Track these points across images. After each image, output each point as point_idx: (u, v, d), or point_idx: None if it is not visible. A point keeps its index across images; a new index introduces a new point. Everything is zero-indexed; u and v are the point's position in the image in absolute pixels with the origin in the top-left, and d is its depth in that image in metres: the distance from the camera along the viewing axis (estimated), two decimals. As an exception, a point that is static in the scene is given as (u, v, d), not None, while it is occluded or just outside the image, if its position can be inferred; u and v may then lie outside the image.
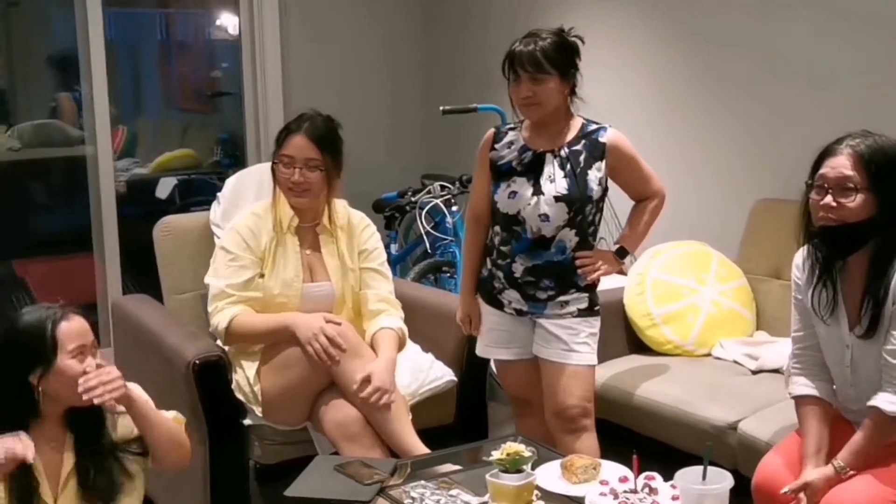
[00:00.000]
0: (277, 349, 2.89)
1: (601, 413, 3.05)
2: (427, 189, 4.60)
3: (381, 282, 3.11)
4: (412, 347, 3.21)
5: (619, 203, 3.20)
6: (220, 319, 2.92)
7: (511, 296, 2.94)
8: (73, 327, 2.18)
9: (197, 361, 2.81)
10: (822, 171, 2.30)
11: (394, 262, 4.74)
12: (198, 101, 6.23)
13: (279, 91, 5.06)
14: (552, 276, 2.89)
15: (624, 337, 3.56)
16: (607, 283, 3.12)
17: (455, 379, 3.14)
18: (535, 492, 2.29)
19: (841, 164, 2.27)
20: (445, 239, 4.47)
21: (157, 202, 5.39)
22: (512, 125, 3.01)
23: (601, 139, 2.88)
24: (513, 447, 2.27)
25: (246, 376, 2.89)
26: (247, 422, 2.93)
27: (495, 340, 3.02)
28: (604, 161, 2.87)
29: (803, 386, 2.45)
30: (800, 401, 2.46)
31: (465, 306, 3.08)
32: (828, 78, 3.56)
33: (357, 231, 3.13)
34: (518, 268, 2.90)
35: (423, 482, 2.40)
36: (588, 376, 2.92)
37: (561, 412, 2.91)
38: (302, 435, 2.94)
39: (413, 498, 2.32)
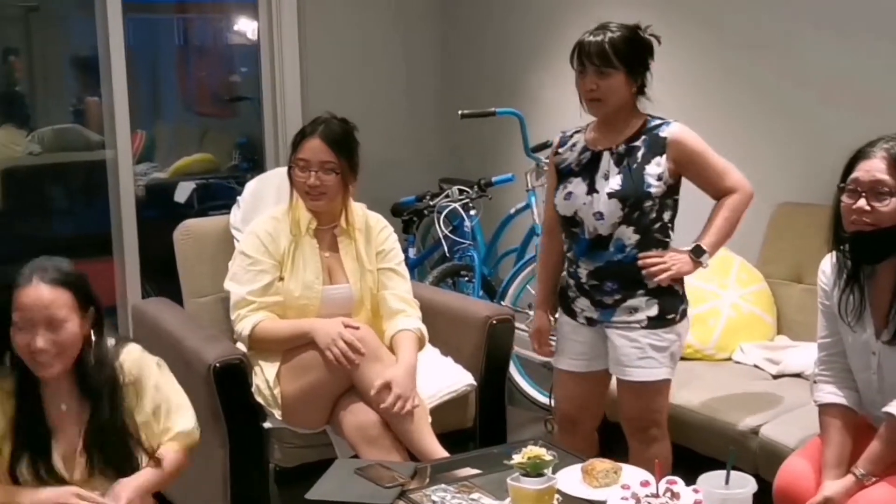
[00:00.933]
0: (297, 353, 2.89)
1: (614, 416, 3.04)
2: (445, 193, 4.60)
3: (399, 281, 3.11)
4: (431, 351, 3.20)
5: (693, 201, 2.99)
6: (243, 327, 2.93)
7: (582, 304, 2.87)
8: (23, 297, 2.16)
9: (217, 365, 2.81)
10: (855, 174, 2.27)
11: (412, 266, 4.73)
12: (216, 105, 6.25)
13: (297, 95, 5.07)
14: (614, 278, 2.79)
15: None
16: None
17: (474, 383, 3.13)
18: (556, 496, 2.28)
19: (875, 168, 2.24)
20: (463, 243, 4.47)
21: (175, 206, 5.41)
22: (578, 128, 2.93)
23: (662, 133, 2.77)
24: (534, 451, 2.25)
25: (266, 379, 2.90)
26: (267, 425, 2.93)
27: (567, 350, 2.95)
28: (664, 156, 2.75)
29: (829, 394, 2.43)
30: (824, 409, 2.43)
31: (536, 320, 3.04)
32: (851, 81, 3.53)
33: (375, 233, 3.13)
34: (582, 272, 2.84)
35: (443, 486, 2.39)
36: (652, 392, 2.83)
37: (627, 421, 2.91)
38: (322, 438, 2.94)
39: (433, 502, 2.31)
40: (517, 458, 2.25)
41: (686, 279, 2.85)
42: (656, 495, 2.21)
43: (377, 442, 2.78)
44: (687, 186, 2.86)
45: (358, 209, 3.15)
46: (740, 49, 3.91)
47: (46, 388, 2.24)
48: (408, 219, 4.79)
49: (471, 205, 4.53)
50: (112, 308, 4.66)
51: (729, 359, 3.44)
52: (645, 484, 2.27)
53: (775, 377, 3.25)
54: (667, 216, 2.80)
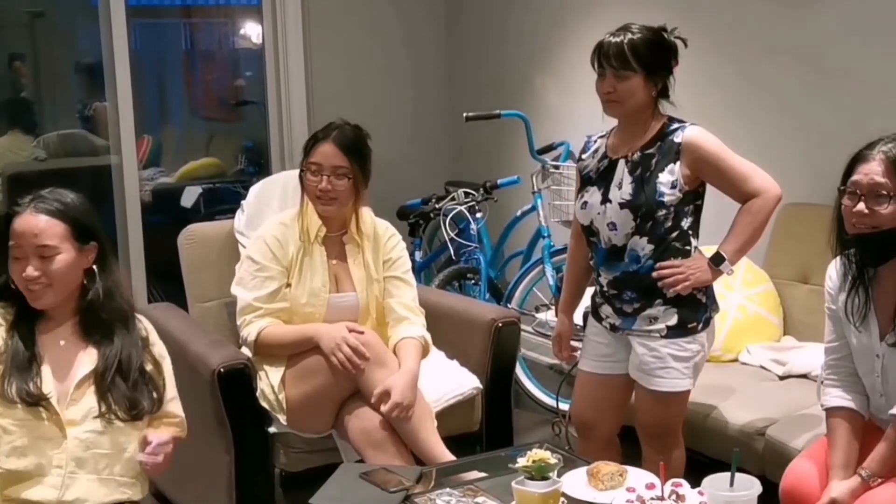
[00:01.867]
0: (302, 357, 2.89)
1: (627, 420, 3.01)
2: (451, 196, 4.59)
3: (405, 289, 3.10)
4: (437, 354, 3.20)
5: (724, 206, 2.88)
6: (248, 332, 2.93)
7: (606, 310, 2.85)
8: (17, 225, 2.15)
9: (222, 369, 2.81)
10: (854, 177, 2.27)
11: (418, 269, 4.73)
12: (222, 109, 6.27)
13: (303, 99, 5.08)
14: (632, 288, 2.76)
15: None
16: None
17: (480, 386, 3.12)
18: (562, 499, 2.27)
19: (873, 171, 2.23)
20: (470, 246, 4.47)
21: (182, 211, 5.42)
22: (603, 133, 2.88)
23: (676, 139, 2.70)
24: (539, 454, 2.25)
25: (270, 384, 2.90)
26: (272, 429, 2.93)
27: (590, 351, 2.94)
28: (678, 163, 2.69)
29: (836, 398, 2.42)
30: (831, 412, 2.42)
31: (558, 325, 3.03)
32: (856, 81, 3.52)
33: (383, 241, 3.12)
34: (603, 280, 2.83)
35: (448, 490, 2.39)
36: (667, 401, 2.80)
37: (643, 427, 2.90)
38: (327, 442, 2.94)
39: (438, 506, 2.31)
40: (522, 462, 2.24)
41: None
42: (661, 498, 2.20)
43: (382, 446, 2.77)
44: (714, 190, 2.80)
45: (366, 216, 3.14)
46: (748, 50, 3.90)
47: (49, 321, 2.22)
48: (414, 222, 4.79)
49: (477, 207, 4.52)
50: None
51: (735, 360, 3.43)
52: (650, 487, 2.25)
53: (782, 378, 3.25)
54: (686, 224, 2.73)
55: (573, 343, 3.08)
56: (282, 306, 2.96)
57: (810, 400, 2.92)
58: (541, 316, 4.01)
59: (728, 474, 2.09)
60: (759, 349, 3.38)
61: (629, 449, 3.01)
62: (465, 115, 4.26)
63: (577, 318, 3.66)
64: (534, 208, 4.34)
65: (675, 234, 2.72)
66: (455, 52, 5.42)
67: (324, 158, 2.95)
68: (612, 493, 2.33)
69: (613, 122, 2.84)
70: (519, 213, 4.52)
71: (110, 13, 4.62)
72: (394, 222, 4.86)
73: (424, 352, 3.01)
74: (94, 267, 2.22)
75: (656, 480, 2.27)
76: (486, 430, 3.22)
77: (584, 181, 2.85)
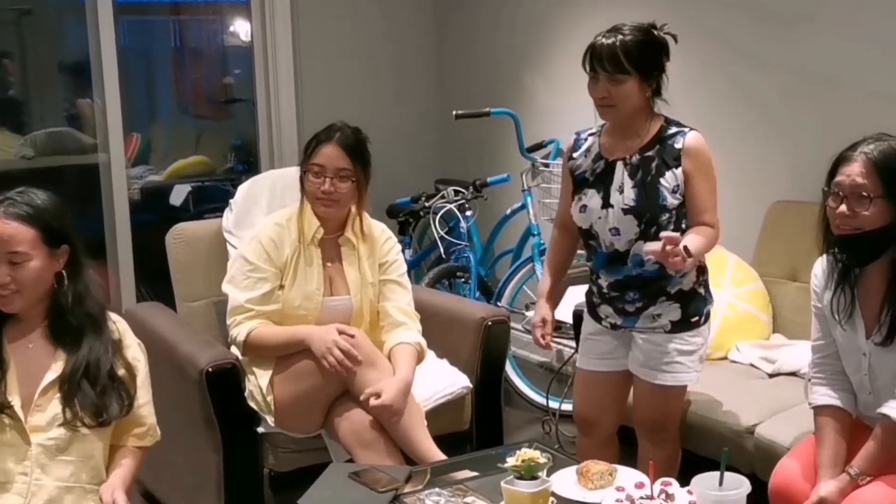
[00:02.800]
0: (291, 359, 2.88)
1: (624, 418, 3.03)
2: (441, 194, 4.59)
3: (401, 293, 3.08)
4: (427, 354, 3.19)
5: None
6: (238, 332, 2.91)
7: (605, 310, 2.85)
8: None
9: (210, 369, 2.80)
10: (837, 178, 2.27)
11: (408, 267, 4.71)
12: (211, 107, 6.24)
13: (292, 97, 5.06)
14: (636, 289, 2.76)
15: (640, 341, 3.54)
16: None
17: (470, 385, 3.12)
18: (551, 498, 2.27)
19: (855, 172, 2.23)
20: (460, 244, 4.46)
21: (171, 209, 5.40)
22: (593, 129, 2.85)
23: (677, 145, 2.68)
24: (528, 453, 2.24)
25: (259, 385, 2.88)
26: (260, 430, 2.92)
27: (589, 351, 2.93)
28: (680, 168, 2.67)
29: (824, 396, 2.42)
30: (819, 411, 2.42)
31: (540, 310, 2.97)
32: (842, 80, 3.52)
33: (379, 243, 3.09)
34: (603, 283, 2.82)
35: (437, 489, 2.38)
36: (670, 395, 2.82)
37: (641, 422, 2.90)
38: (316, 442, 2.93)
39: (427, 506, 2.31)
40: (511, 461, 2.23)
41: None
42: (651, 497, 2.20)
43: (372, 446, 2.76)
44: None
45: (367, 219, 3.10)
46: (735, 50, 3.89)
47: (18, 323, 2.18)
48: (404, 220, 4.78)
49: (467, 206, 4.52)
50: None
51: (725, 358, 3.42)
52: (640, 486, 2.25)
53: (771, 376, 3.24)
54: (685, 225, 2.73)
55: (557, 339, 3.06)
56: (274, 308, 2.93)
57: (799, 398, 2.92)
58: (531, 314, 4.00)
59: (717, 473, 2.09)
60: (748, 347, 3.38)
61: (623, 448, 3.02)
62: (454, 113, 4.26)
63: (561, 314, 3.67)
64: (524, 206, 4.34)
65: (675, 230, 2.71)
66: (445, 50, 5.42)
67: (327, 160, 2.92)
68: (601, 492, 2.32)
69: None
70: (509, 211, 4.52)
71: (97, 10, 4.59)
72: (383, 220, 4.86)
73: (419, 357, 2.99)
74: (64, 272, 2.18)
75: (646, 479, 2.26)
76: (477, 428, 3.22)
77: (580, 182, 2.81)
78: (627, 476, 2.38)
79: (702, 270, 2.81)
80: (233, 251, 3.27)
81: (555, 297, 3.01)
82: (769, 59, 3.77)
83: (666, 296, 2.74)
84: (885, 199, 2.22)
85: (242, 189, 3.47)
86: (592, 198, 2.76)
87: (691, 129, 2.74)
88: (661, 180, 2.68)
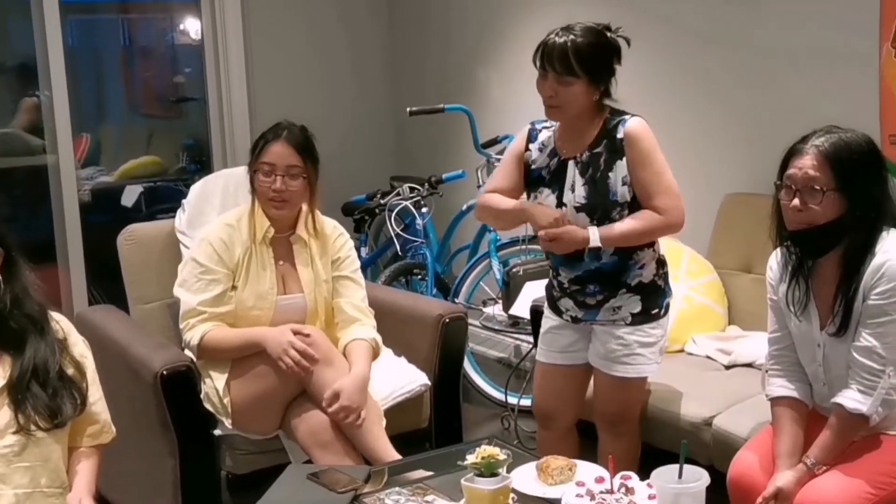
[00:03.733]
0: (247, 361, 2.85)
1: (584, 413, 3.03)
2: (396, 191, 4.57)
3: (354, 289, 3.06)
4: (385, 352, 3.17)
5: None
6: (192, 336, 2.87)
7: (566, 304, 2.85)
8: None
9: (164, 372, 2.76)
10: (789, 171, 2.28)
11: (364, 265, 4.69)
12: (162, 106, 6.16)
13: (244, 95, 5.02)
14: (596, 282, 2.77)
15: (597, 335, 3.54)
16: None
17: (428, 383, 3.11)
18: (511, 495, 2.26)
19: (807, 165, 2.24)
20: (416, 241, 4.45)
21: (123, 210, 5.33)
22: (548, 123, 2.83)
23: (619, 135, 2.68)
24: (487, 450, 2.23)
25: (215, 387, 2.85)
26: (217, 432, 2.89)
27: (549, 343, 2.94)
28: (624, 158, 2.67)
29: (780, 387, 2.44)
30: (776, 402, 2.44)
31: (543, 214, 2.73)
32: (794, 73, 3.56)
33: (331, 240, 3.07)
34: (563, 278, 2.83)
35: (397, 489, 2.36)
36: (631, 387, 2.84)
37: (601, 415, 2.91)
38: (274, 444, 2.90)
39: (387, 505, 2.29)
40: (471, 459, 2.22)
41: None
42: (611, 491, 2.20)
43: (330, 446, 2.74)
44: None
45: (320, 217, 3.07)
46: (688, 43, 3.91)
47: None
48: (359, 217, 4.76)
49: (422, 202, 4.50)
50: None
51: (681, 350, 3.44)
52: (599, 480, 2.25)
53: (727, 367, 3.26)
54: None
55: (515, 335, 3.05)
56: (227, 310, 2.90)
57: (755, 389, 2.93)
58: (488, 310, 4.00)
59: (677, 466, 2.10)
60: (704, 339, 3.40)
61: (583, 441, 3.02)
62: (408, 109, 4.24)
63: (518, 310, 3.68)
64: (480, 202, 4.33)
65: None
66: (398, 47, 5.39)
67: (277, 158, 2.88)
68: (561, 487, 2.32)
69: None
70: (465, 207, 4.51)
71: (43, 9, 4.52)
72: (338, 218, 4.83)
73: (375, 354, 2.98)
74: (0, 276, 2.12)
75: (605, 474, 2.27)
76: (435, 426, 3.21)
77: (535, 180, 2.81)
78: (587, 470, 2.39)
79: (661, 263, 2.84)
80: (185, 252, 3.22)
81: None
82: (721, 52, 3.80)
83: (626, 288, 2.76)
84: (837, 192, 2.23)
85: (195, 189, 3.42)
86: (548, 198, 2.77)
87: (632, 115, 2.73)
88: (610, 174, 2.69)
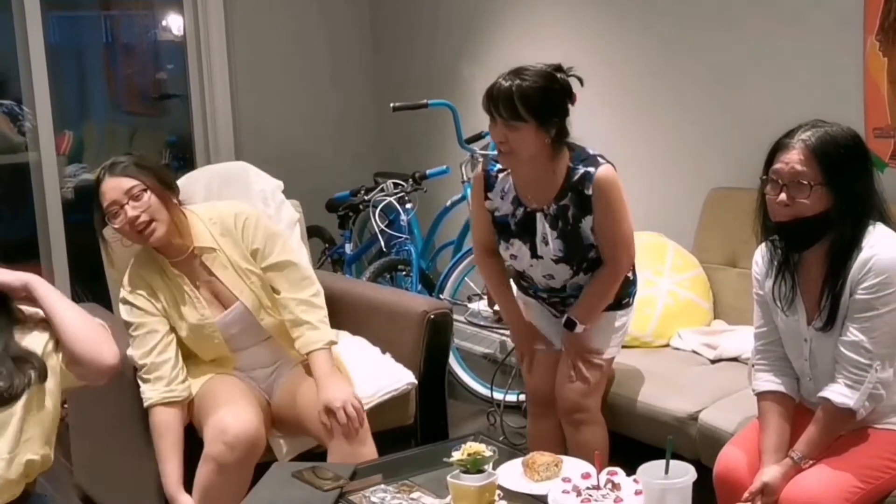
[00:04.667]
0: (213, 385, 2.80)
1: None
2: (380, 187, 4.55)
3: (288, 277, 2.88)
4: (370, 349, 3.16)
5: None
6: (144, 397, 2.76)
7: (540, 304, 2.97)
8: None
9: (145, 370, 2.74)
10: (775, 165, 2.27)
11: (348, 261, 4.69)
12: (145, 103, 6.14)
13: (227, 91, 4.99)
14: (576, 294, 2.87)
15: (582, 330, 3.54)
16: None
17: (415, 381, 3.09)
18: (497, 491, 2.25)
19: (794, 160, 2.23)
20: (400, 237, 4.43)
21: (106, 208, 5.28)
22: (500, 165, 2.82)
23: (587, 191, 2.70)
24: (473, 447, 2.23)
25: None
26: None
27: (542, 331, 2.99)
28: (593, 212, 2.73)
29: (767, 382, 2.44)
30: (762, 396, 2.44)
31: (521, 340, 2.99)
32: (779, 67, 3.56)
33: (237, 232, 2.87)
34: (542, 295, 2.93)
35: (383, 486, 2.35)
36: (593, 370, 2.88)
37: (563, 400, 2.92)
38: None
39: (373, 503, 2.27)
40: (457, 455, 2.22)
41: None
42: (597, 487, 2.20)
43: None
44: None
45: (204, 214, 2.89)
46: (672, 36, 3.91)
47: None
48: (343, 214, 4.74)
49: (406, 198, 4.49)
50: (40, 314, 4.55)
51: (667, 345, 3.44)
52: (586, 476, 2.25)
53: (713, 362, 3.26)
54: None
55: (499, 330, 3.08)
56: (166, 357, 2.77)
57: (742, 383, 2.94)
58: (473, 306, 3.99)
59: (663, 462, 2.10)
60: (690, 334, 3.40)
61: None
62: (392, 105, 4.22)
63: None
64: (464, 198, 4.32)
65: None
66: (381, 42, 5.37)
67: (112, 193, 2.70)
68: (547, 483, 2.32)
69: None
70: (449, 203, 4.50)
71: (24, 5, 4.48)
72: (323, 215, 4.81)
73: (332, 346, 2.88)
74: None
75: (592, 469, 2.26)
76: (421, 422, 3.19)
77: (503, 228, 2.84)
78: (573, 466, 2.38)
79: None
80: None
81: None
82: (705, 46, 3.79)
83: None
84: (824, 186, 2.22)
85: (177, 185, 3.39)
86: (520, 249, 2.82)
87: (599, 162, 2.73)
88: (581, 224, 2.75)
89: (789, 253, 2.35)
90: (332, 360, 2.83)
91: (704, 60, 3.81)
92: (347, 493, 2.33)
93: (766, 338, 2.48)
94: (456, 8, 4.86)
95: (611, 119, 4.14)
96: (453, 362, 4.25)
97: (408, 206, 4.48)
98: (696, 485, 2.12)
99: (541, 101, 2.62)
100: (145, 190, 2.72)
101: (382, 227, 4.40)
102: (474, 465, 2.21)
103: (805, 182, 2.22)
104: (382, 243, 4.40)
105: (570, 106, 2.70)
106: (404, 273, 4.44)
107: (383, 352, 3.19)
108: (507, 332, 3.90)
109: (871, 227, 2.26)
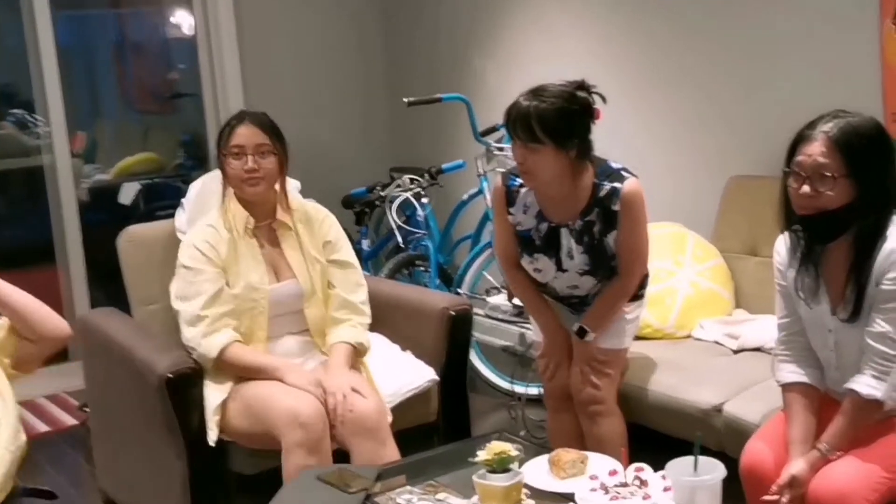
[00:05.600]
0: (252, 389, 2.78)
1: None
2: (396, 182, 4.54)
3: (348, 277, 2.99)
4: (390, 347, 3.15)
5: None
6: (207, 349, 2.79)
7: (556, 305, 2.98)
8: None
9: (170, 375, 2.73)
10: (798, 157, 2.24)
11: (365, 258, 4.68)
12: (157, 102, 6.14)
13: (239, 89, 4.98)
14: (593, 298, 2.90)
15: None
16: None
17: (436, 378, 3.08)
18: (524, 490, 2.24)
19: (816, 152, 2.20)
20: (417, 232, 4.42)
21: (121, 208, 5.30)
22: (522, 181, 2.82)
23: (614, 206, 2.70)
24: (499, 446, 2.21)
25: (209, 399, 2.80)
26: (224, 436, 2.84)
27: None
28: (619, 225, 2.74)
29: (791, 373, 2.42)
30: (787, 388, 2.42)
31: (554, 348, 2.94)
32: (795, 52, 3.52)
33: (317, 223, 3.01)
34: (563, 299, 2.94)
35: (409, 487, 2.34)
36: (609, 362, 2.88)
37: (578, 391, 2.91)
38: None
39: (400, 504, 2.27)
40: (482, 455, 2.21)
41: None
42: (625, 484, 2.18)
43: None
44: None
45: (296, 200, 3.05)
46: (688, 25, 3.88)
47: None
48: (359, 210, 4.73)
49: (422, 193, 4.47)
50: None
51: (689, 336, 3.42)
52: (613, 473, 2.23)
53: (736, 352, 3.24)
54: None
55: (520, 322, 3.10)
56: (227, 308, 2.84)
57: (765, 373, 2.92)
58: (492, 299, 3.98)
59: (692, 458, 2.08)
60: (711, 324, 3.38)
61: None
62: (406, 100, 4.20)
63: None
64: (480, 191, 4.31)
65: None
66: (394, 37, 5.35)
67: (245, 139, 2.86)
68: (574, 480, 2.30)
69: None
70: (465, 196, 4.48)
71: (33, 6, 4.48)
72: (339, 211, 4.79)
73: (358, 353, 2.93)
74: None
75: (618, 466, 2.25)
76: (443, 419, 3.19)
77: (526, 243, 2.84)
78: (599, 463, 2.36)
79: None
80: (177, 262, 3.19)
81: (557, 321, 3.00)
82: (722, 34, 3.76)
83: None
84: (848, 178, 2.19)
85: (194, 187, 3.39)
86: (545, 263, 2.83)
87: (624, 176, 2.72)
88: (606, 238, 2.75)
89: (813, 244, 2.33)
90: (351, 357, 2.86)
91: (723, 48, 3.78)
92: (373, 495, 2.32)
93: (789, 328, 2.46)
94: (466, 2, 4.83)
95: (629, 109, 4.11)
96: (473, 356, 4.23)
97: (424, 201, 4.46)
98: (723, 479, 2.11)
99: (559, 123, 2.60)
100: (273, 152, 2.87)
101: (399, 223, 4.39)
102: (500, 465, 2.19)
103: (829, 174, 2.19)
104: (400, 239, 4.39)
105: (592, 124, 2.68)
106: (422, 268, 4.43)
107: (403, 349, 3.18)
108: (527, 325, 3.91)
109: (895, 217, 2.24)
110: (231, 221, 2.91)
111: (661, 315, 3.40)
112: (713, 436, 2.86)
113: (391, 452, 2.71)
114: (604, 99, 2.70)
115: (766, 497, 2.27)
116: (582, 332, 2.85)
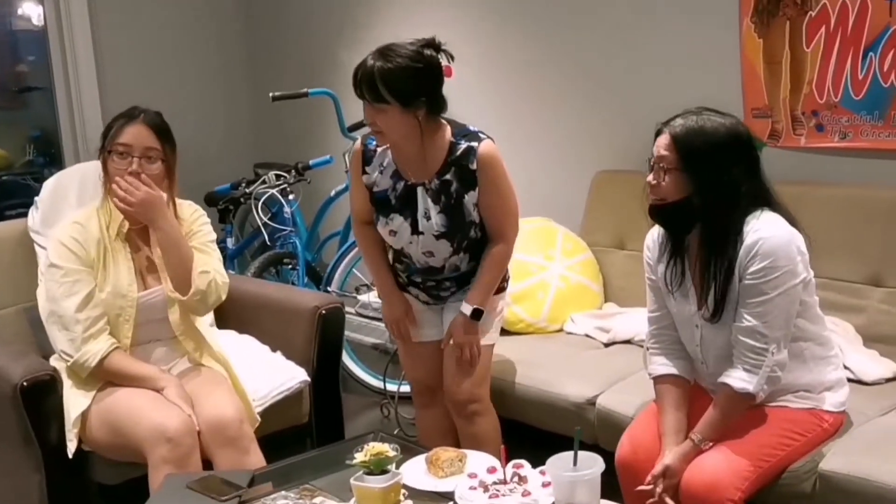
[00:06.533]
0: (116, 400, 2.65)
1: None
2: (262, 179, 4.43)
3: (204, 259, 2.82)
4: (260, 348, 3.07)
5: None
6: (85, 358, 2.64)
7: (414, 291, 2.89)
8: None
9: (24, 383, 2.58)
10: (653, 149, 2.34)
11: (230, 256, 4.55)
12: (4, 97, 5.82)
13: (94, 83, 4.79)
14: (452, 281, 2.83)
15: (475, 318, 3.52)
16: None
17: (308, 379, 3.02)
18: (403, 491, 2.20)
19: (661, 144, 2.31)
20: (284, 230, 4.32)
21: (-32, 208, 5.01)
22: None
23: (472, 165, 2.65)
24: (376, 447, 2.17)
25: (70, 412, 2.66)
26: (85, 447, 2.70)
27: (416, 322, 2.93)
28: (476, 186, 2.67)
29: (661, 366, 2.47)
30: (658, 380, 2.47)
31: (393, 308, 2.89)
32: (659, 49, 3.59)
33: (188, 222, 2.88)
34: (417, 279, 2.86)
35: (283, 492, 2.28)
36: (481, 359, 2.84)
37: (453, 393, 2.86)
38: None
39: (275, 510, 2.20)
40: (359, 457, 2.16)
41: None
42: (504, 481, 2.18)
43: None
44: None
45: (185, 206, 2.91)
46: (555, 24, 3.91)
47: None
48: (223, 208, 4.60)
49: (289, 190, 4.38)
50: None
51: (560, 330, 3.44)
52: (492, 470, 2.23)
53: (607, 345, 3.28)
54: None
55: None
56: (100, 312, 2.68)
57: (637, 366, 2.97)
58: (363, 297, 3.93)
59: (571, 453, 2.07)
60: (582, 317, 3.41)
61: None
62: (271, 95, 4.10)
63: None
64: (348, 188, 4.23)
65: (484, 236, 2.77)
66: (256, 28, 5.23)
67: (134, 139, 2.69)
68: (453, 479, 2.28)
69: None
70: (333, 193, 4.41)
71: None
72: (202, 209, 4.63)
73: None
74: None
75: (497, 463, 2.24)
76: (316, 420, 3.12)
77: (382, 203, 2.76)
78: (478, 461, 2.35)
79: None
80: (41, 252, 3.03)
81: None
82: (585, 32, 3.81)
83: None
84: (680, 173, 2.28)
85: (48, 185, 3.22)
86: (401, 224, 2.75)
87: (481, 137, 2.70)
88: (465, 199, 2.69)
89: (670, 236, 2.39)
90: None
91: (589, 43, 3.82)
92: (246, 501, 2.25)
93: (659, 322, 2.51)
94: (332, -7, 4.77)
95: (495, 104, 4.12)
96: (344, 355, 4.17)
97: (291, 197, 4.37)
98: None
99: (404, 82, 2.55)
100: (160, 159, 2.73)
101: (265, 220, 4.29)
102: (378, 466, 2.15)
103: (663, 166, 2.30)
104: (266, 237, 4.29)
105: (440, 82, 2.63)
106: (290, 266, 4.34)
107: (273, 350, 3.11)
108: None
109: (758, 213, 2.29)
110: (106, 220, 2.76)
111: (533, 309, 3.41)
112: (587, 429, 2.88)
113: (255, 460, 2.61)
114: (451, 58, 2.65)
115: (641, 487, 2.31)
116: (477, 314, 2.76)
